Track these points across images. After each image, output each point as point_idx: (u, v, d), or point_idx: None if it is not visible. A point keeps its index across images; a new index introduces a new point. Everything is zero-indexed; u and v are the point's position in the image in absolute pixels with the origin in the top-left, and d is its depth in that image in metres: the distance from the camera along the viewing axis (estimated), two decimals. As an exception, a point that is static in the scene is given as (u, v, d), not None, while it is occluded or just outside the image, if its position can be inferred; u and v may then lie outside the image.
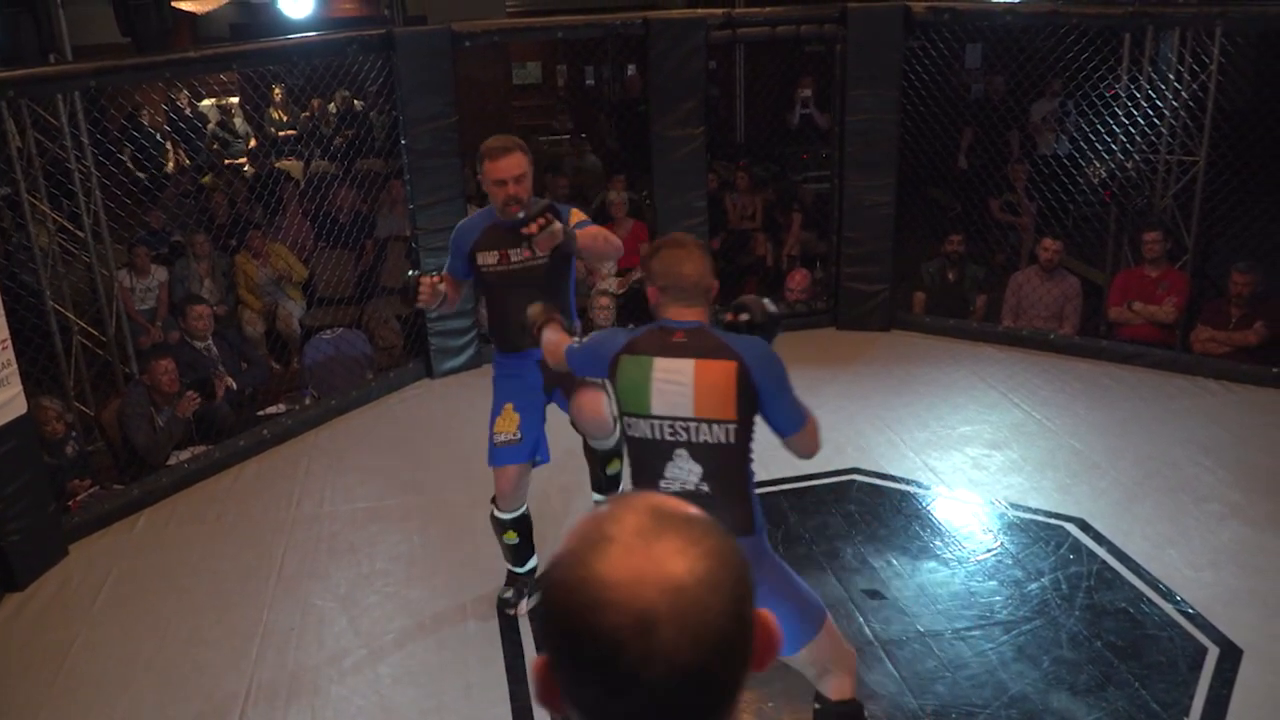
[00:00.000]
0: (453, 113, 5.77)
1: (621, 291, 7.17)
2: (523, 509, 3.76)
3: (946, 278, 6.82)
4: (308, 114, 8.42)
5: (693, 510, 0.95)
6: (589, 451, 4.05)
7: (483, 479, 4.82)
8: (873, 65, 6.15)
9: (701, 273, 2.61)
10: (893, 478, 4.77)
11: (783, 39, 6.44)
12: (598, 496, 4.21)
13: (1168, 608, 3.74)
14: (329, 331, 6.22)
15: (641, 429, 2.59)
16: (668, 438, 2.57)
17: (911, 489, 4.68)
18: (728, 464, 2.58)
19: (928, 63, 6.45)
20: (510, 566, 3.88)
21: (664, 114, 6.00)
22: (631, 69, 10.84)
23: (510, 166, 3.42)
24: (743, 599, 0.92)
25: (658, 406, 2.56)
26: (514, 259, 3.56)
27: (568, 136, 10.26)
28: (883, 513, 4.48)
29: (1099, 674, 3.41)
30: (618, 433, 3.40)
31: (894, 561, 4.11)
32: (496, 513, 3.75)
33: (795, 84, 10.19)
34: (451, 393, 5.89)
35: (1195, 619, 3.65)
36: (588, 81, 12.25)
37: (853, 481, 4.73)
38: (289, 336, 6.66)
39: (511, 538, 3.76)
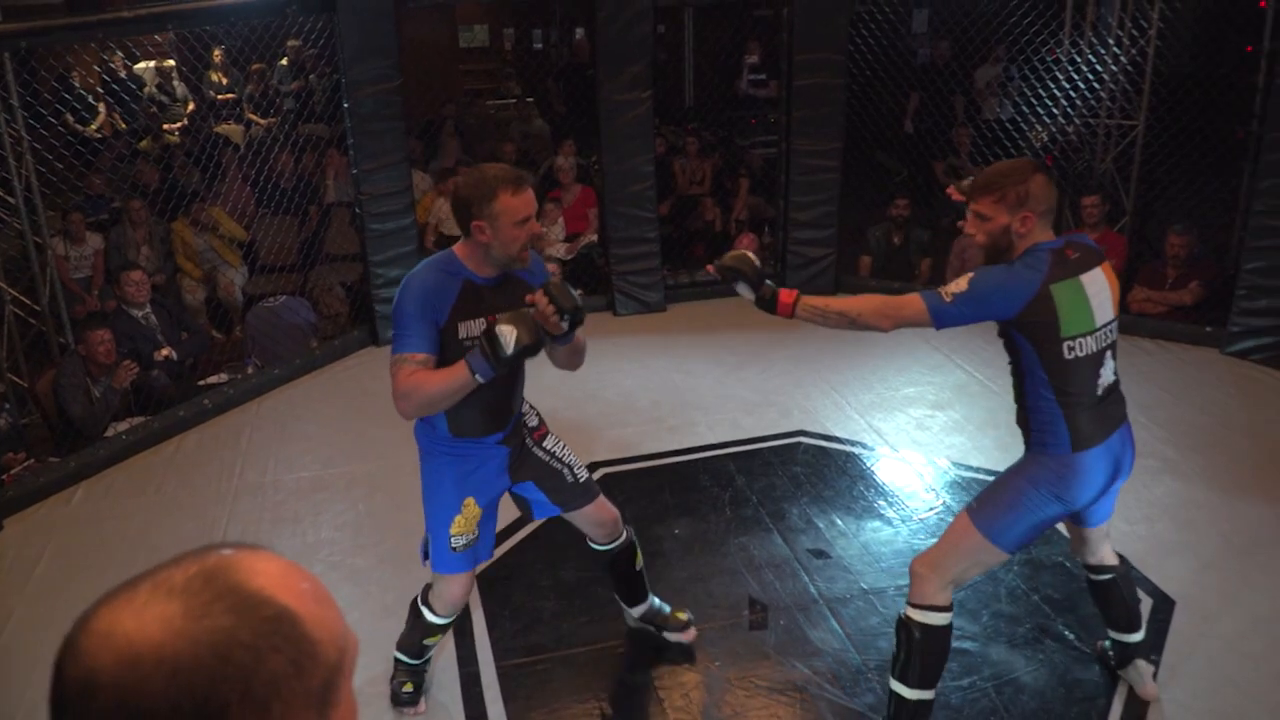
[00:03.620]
0: (397, 76, 5.68)
1: (570, 257, 7.14)
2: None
3: (892, 241, 6.88)
4: (255, 71, 8.24)
5: (250, 585, 0.81)
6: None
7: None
8: (819, 30, 6.15)
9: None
10: (838, 439, 4.82)
11: (730, 3, 6.41)
12: (639, 611, 3.49)
13: (1103, 562, 3.83)
14: (272, 299, 6.13)
15: (1088, 345, 2.66)
16: (1104, 345, 2.71)
17: (856, 450, 4.73)
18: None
19: (874, 27, 6.46)
20: (408, 658, 3.22)
21: (611, 78, 5.95)
22: (580, 32, 10.76)
23: (532, 200, 2.64)
24: (205, 703, 0.75)
25: (1100, 317, 2.67)
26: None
27: (515, 101, 10.15)
28: (828, 474, 4.53)
29: (1036, 627, 3.49)
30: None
31: (839, 521, 4.16)
32: (432, 616, 3.08)
33: (743, 49, 10.17)
34: (397, 360, 5.83)
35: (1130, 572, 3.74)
36: (535, 45, 12.13)
37: (799, 444, 4.78)
38: (231, 304, 6.56)
39: (434, 640, 3.18)
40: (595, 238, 6.87)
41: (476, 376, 2.53)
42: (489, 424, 2.90)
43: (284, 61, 8.39)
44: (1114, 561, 3.04)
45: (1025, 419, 2.77)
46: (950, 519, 4.11)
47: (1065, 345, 2.62)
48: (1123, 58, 6.36)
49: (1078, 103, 6.51)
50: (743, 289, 2.90)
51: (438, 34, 10.11)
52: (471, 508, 2.92)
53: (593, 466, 4.60)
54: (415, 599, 3.18)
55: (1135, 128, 6.67)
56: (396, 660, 3.24)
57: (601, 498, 3.14)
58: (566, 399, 5.27)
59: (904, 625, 2.83)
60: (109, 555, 4.16)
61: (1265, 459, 4.51)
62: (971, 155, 7.75)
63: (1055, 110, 6.72)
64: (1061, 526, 3.17)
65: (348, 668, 0.86)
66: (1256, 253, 5.43)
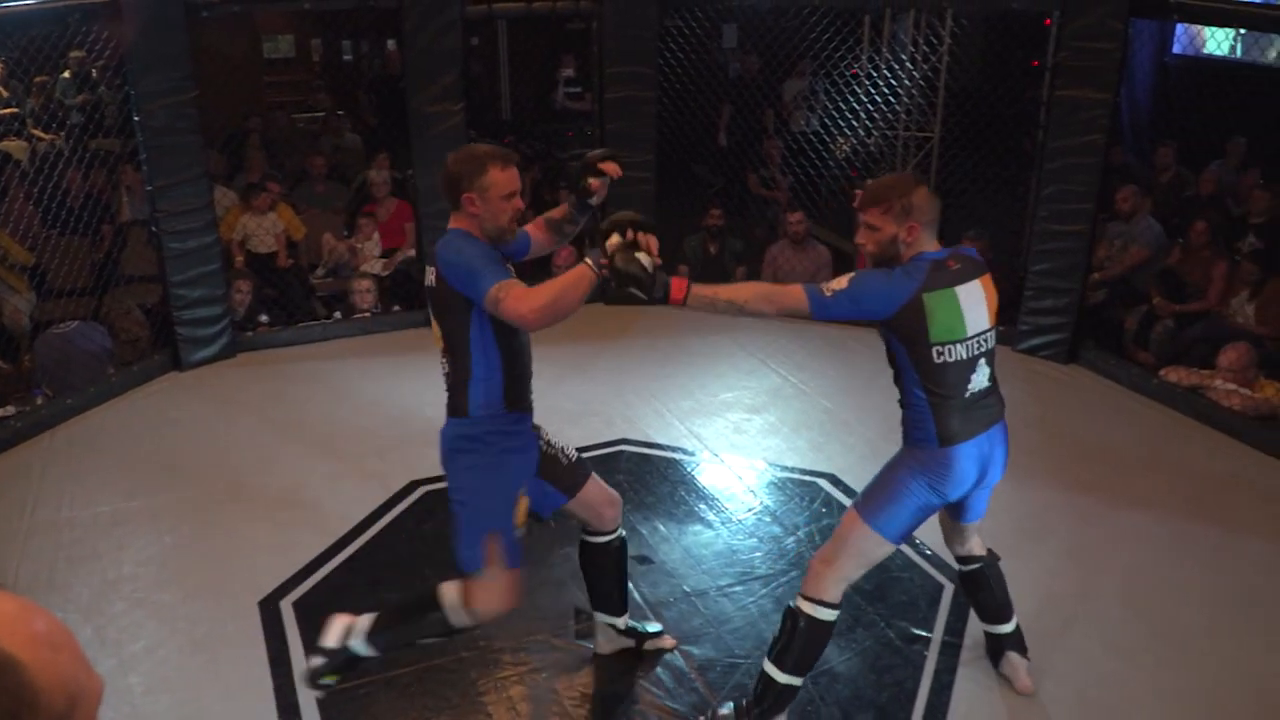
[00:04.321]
0: (191, 87, 5.43)
1: (387, 273, 7.00)
2: None
3: (708, 250, 7.04)
4: (39, 84, 7.71)
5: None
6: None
7: (238, 471, 4.64)
8: (629, 43, 6.24)
9: None
10: (660, 446, 4.89)
11: (540, 15, 6.44)
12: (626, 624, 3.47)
13: (909, 551, 4.02)
14: (63, 325, 5.74)
15: (958, 352, 2.77)
16: (976, 352, 2.82)
17: (677, 456, 4.81)
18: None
19: (682, 41, 6.62)
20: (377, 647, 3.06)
21: (421, 90, 5.87)
22: (392, 44, 10.56)
23: (518, 177, 2.81)
24: None
25: (972, 327, 2.80)
26: None
27: (325, 113, 9.88)
28: (650, 480, 4.59)
29: (849, 617, 3.63)
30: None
31: (661, 527, 4.22)
32: (470, 619, 2.98)
33: (558, 61, 10.23)
34: (203, 385, 5.59)
35: (933, 559, 3.95)
36: (345, 56, 11.84)
37: (621, 452, 4.82)
38: (17, 332, 6.11)
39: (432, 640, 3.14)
40: (413, 252, 6.76)
41: (599, 270, 2.60)
42: (528, 395, 2.98)
43: (66, 74, 7.90)
44: (981, 553, 3.20)
45: (902, 413, 2.92)
46: (769, 520, 4.26)
47: (934, 350, 2.76)
48: (916, 73, 6.72)
49: (875, 116, 6.83)
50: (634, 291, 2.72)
51: (238, 44, 9.72)
52: (523, 499, 2.94)
53: (414, 484, 4.53)
54: (434, 592, 2.97)
55: (931, 139, 7.07)
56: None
57: (595, 474, 3.17)
58: (386, 417, 5.16)
59: (792, 614, 2.95)
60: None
61: (1053, 449, 4.84)
62: (782, 165, 8.04)
63: (856, 123, 7.04)
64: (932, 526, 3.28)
65: (83, 714, 0.82)
66: (1042, 256, 5.81)
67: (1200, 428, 5.07)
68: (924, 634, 3.55)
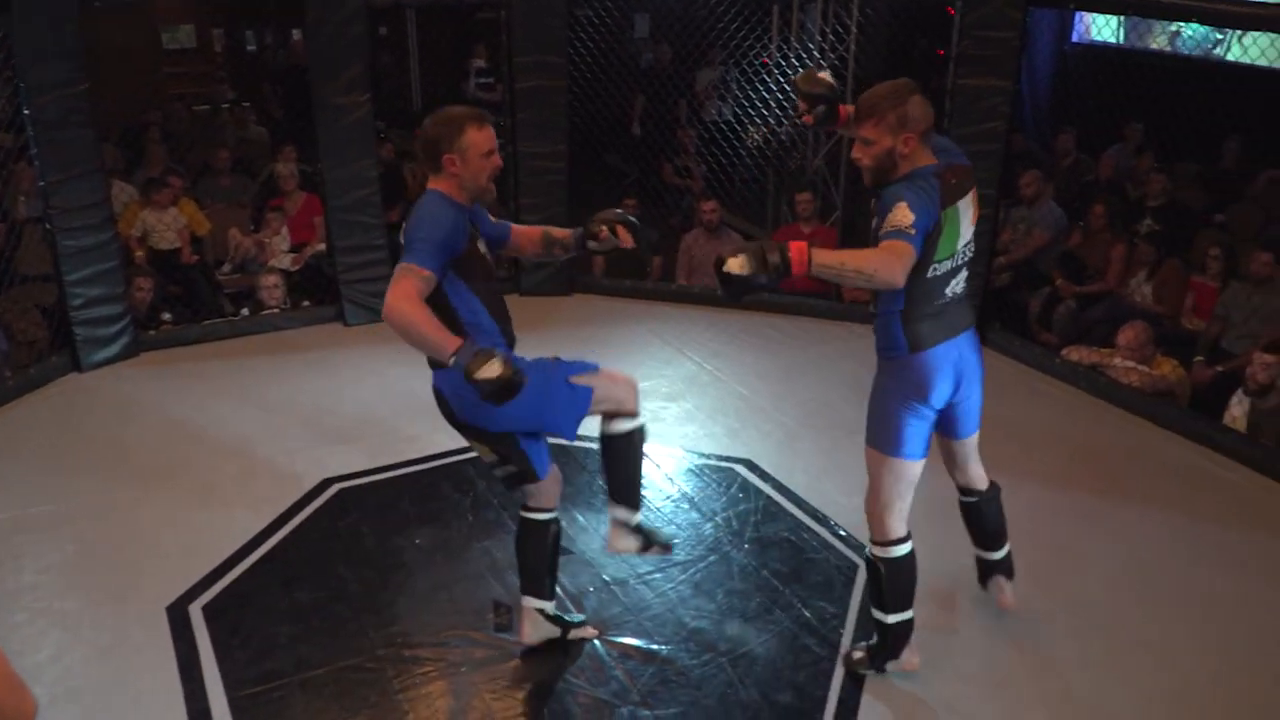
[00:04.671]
0: (82, 79, 5.24)
1: (296, 268, 6.87)
2: None
3: (623, 240, 7.03)
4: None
5: None
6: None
7: (143, 475, 4.50)
8: (538, 32, 6.20)
9: None
10: (578, 436, 4.86)
11: (449, 4, 6.36)
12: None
13: (825, 533, 4.09)
14: (-47, 327, 5.52)
15: (945, 267, 2.87)
16: (960, 263, 2.93)
17: (596, 446, 4.76)
18: None
19: (591, 30, 6.59)
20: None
21: (327, 81, 5.75)
22: (297, 33, 10.35)
23: (494, 136, 2.97)
24: None
25: (962, 240, 2.90)
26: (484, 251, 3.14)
27: (228, 105, 9.65)
28: (569, 471, 4.55)
29: (766, 600, 3.68)
30: None
31: (580, 517, 4.21)
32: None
33: (469, 51, 10.13)
34: (104, 386, 5.41)
35: (848, 540, 4.01)
36: (249, 46, 11.58)
37: (538, 443, 4.80)
38: (-96, 335, 5.85)
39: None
40: (323, 246, 6.63)
41: (452, 362, 2.67)
42: (512, 331, 3.20)
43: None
44: (982, 486, 3.36)
45: (876, 329, 2.99)
46: (687, 506, 4.29)
47: (931, 267, 2.83)
48: (824, 62, 6.80)
49: (785, 105, 6.89)
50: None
51: (136, 35, 9.42)
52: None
53: (327, 482, 4.45)
54: (602, 433, 3.28)
55: (840, 127, 7.15)
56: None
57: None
58: (297, 416, 5.07)
59: (872, 565, 3.15)
60: None
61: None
62: (696, 155, 8.08)
63: (767, 112, 7.09)
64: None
65: None
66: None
67: (1101, 404, 5.24)
68: (840, 613, 3.61)
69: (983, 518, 3.41)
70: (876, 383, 3.04)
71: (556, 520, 3.35)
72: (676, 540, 4.04)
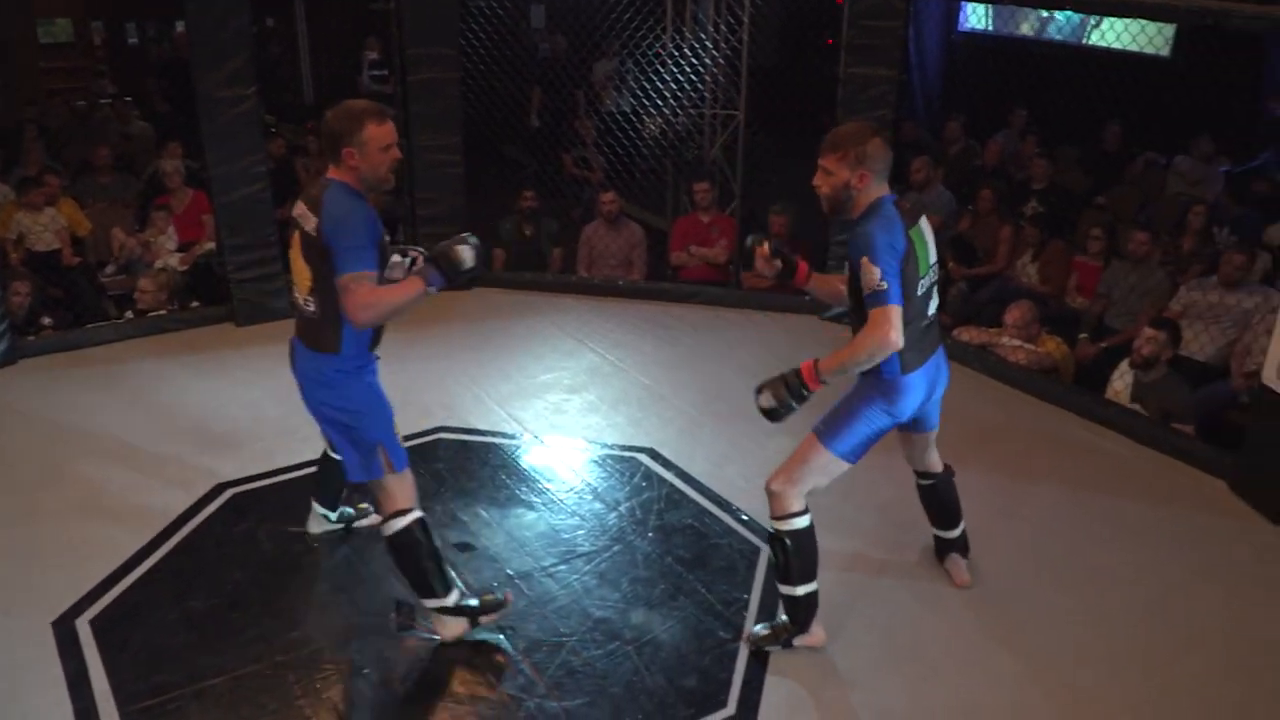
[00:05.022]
0: (-52, 74, 5.01)
1: (185, 268, 6.67)
2: None
3: (523, 233, 7.00)
4: None
5: None
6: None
7: (24, 486, 4.33)
8: (430, 24, 6.11)
9: None
10: (479, 431, 4.84)
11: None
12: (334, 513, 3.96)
13: (727, 518, 4.13)
14: None
15: (926, 283, 3.10)
16: (934, 280, 3.16)
17: (498, 440, 4.78)
18: None
19: (484, 21, 6.53)
20: (441, 589, 3.34)
21: (209, 74, 5.57)
22: (181, 25, 10.03)
23: (394, 130, 3.05)
24: None
25: (932, 258, 3.13)
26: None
27: (110, 101, 9.31)
28: (470, 466, 4.54)
29: (671, 586, 3.70)
30: None
31: (483, 512, 4.18)
32: (405, 519, 3.24)
33: (362, 43, 9.96)
34: (-19, 394, 5.18)
35: (750, 524, 4.06)
36: (131, 40, 11.21)
37: (439, 440, 4.75)
38: None
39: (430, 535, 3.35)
40: (213, 245, 6.45)
41: (430, 289, 2.94)
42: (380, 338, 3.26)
43: None
44: (939, 469, 3.58)
45: None
46: (590, 497, 4.28)
47: (920, 284, 3.05)
48: (715, 51, 6.85)
49: (679, 95, 6.93)
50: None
51: (10, 29, 9.04)
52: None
53: (220, 487, 4.34)
54: (386, 539, 3.29)
55: (737, 117, 7.21)
56: (440, 610, 3.35)
57: None
58: (186, 420, 4.92)
59: (776, 539, 3.25)
60: None
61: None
62: (596, 146, 8.06)
63: (661, 102, 7.12)
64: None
65: None
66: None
67: (991, 383, 5.39)
68: (743, 596, 3.65)
69: (939, 499, 3.64)
70: (856, 390, 3.20)
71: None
72: (580, 532, 4.05)
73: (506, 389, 5.26)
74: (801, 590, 3.28)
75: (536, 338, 5.92)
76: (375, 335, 3.19)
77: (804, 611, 3.32)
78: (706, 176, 7.09)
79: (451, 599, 3.36)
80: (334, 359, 3.13)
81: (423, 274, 2.97)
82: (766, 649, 3.36)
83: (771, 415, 3.09)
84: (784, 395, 3.04)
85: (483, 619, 3.44)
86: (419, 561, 3.28)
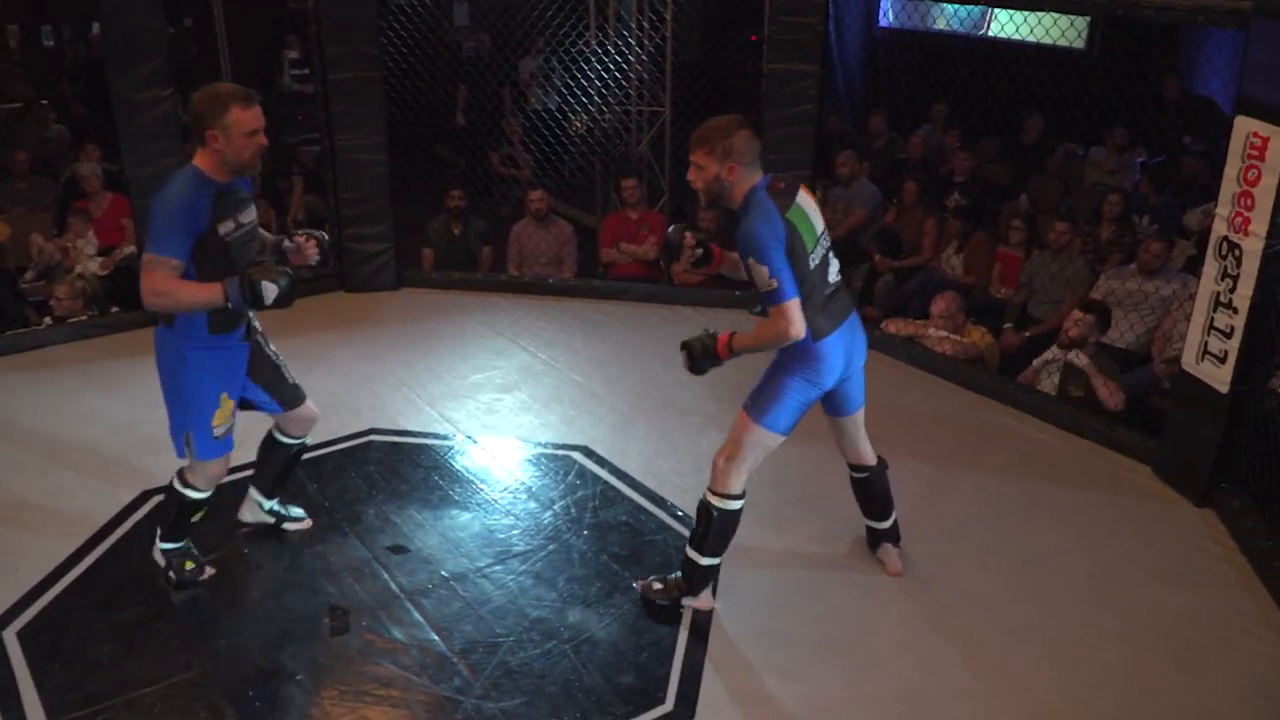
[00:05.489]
0: None
1: (105, 272, 6.52)
2: None
3: (452, 232, 6.96)
4: None
5: None
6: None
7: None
8: (349, 23, 6.04)
9: None
10: (410, 433, 4.81)
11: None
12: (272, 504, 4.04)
13: (661, 514, 4.16)
14: None
15: (818, 255, 3.21)
16: (826, 249, 3.27)
17: (430, 441, 4.75)
18: None
19: (404, 20, 6.48)
20: (175, 544, 3.65)
21: (126, 74, 5.45)
22: (97, 27, 9.79)
23: (260, 115, 3.13)
24: None
25: (817, 228, 3.22)
26: (244, 221, 3.28)
27: (24, 104, 9.06)
28: (402, 468, 4.51)
29: (607, 584, 3.72)
30: None
31: (416, 515, 4.16)
32: (196, 494, 3.53)
33: (283, 42, 9.81)
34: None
35: (684, 519, 4.09)
36: (46, 42, 10.92)
37: (370, 442, 4.71)
38: None
39: (200, 516, 3.63)
40: (133, 249, 6.31)
41: (229, 304, 3.05)
42: (237, 321, 3.35)
43: None
44: (872, 462, 3.67)
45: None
46: (525, 497, 4.29)
47: (810, 259, 3.15)
48: (639, 48, 6.88)
49: (604, 93, 6.95)
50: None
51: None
52: (227, 402, 3.39)
53: (147, 494, 4.26)
54: (171, 488, 3.55)
55: (663, 113, 7.25)
56: (167, 552, 3.62)
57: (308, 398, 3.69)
58: (111, 426, 4.82)
59: (705, 507, 3.40)
60: None
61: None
62: (524, 144, 8.04)
63: (586, 99, 7.13)
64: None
65: None
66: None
67: (918, 373, 5.50)
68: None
69: (872, 491, 3.73)
70: (776, 363, 3.32)
71: (298, 446, 3.85)
72: (515, 531, 4.05)
73: (438, 389, 5.24)
74: (705, 561, 3.46)
75: (467, 337, 5.89)
76: (223, 320, 3.27)
77: (700, 578, 3.50)
78: (634, 173, 7.12)
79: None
80: (166, 331, 3.30)
81: (227, 286, 3.05)
82: (658, 602, 3.55)
83: (693, 370, 3.34)
84: (699, 357, 3.30)
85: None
86: (179, 512, 3.58)
